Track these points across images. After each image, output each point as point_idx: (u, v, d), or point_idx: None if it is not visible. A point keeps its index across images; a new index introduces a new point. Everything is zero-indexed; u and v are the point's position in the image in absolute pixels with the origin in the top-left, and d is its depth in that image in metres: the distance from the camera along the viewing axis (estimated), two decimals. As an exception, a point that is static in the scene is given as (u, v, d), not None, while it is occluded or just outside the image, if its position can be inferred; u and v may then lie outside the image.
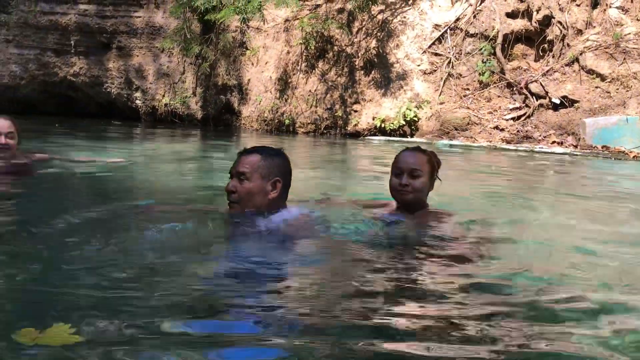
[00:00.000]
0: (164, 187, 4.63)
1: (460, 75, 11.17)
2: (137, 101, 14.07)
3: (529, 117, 10.36)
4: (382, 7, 11.82)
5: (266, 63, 12.38)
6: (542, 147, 9.56)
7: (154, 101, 13.77)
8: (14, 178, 4.44)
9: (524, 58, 11.08)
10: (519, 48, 11.09)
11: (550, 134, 9.99)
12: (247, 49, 12.62)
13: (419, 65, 11.40)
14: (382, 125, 11.03)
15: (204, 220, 2.96)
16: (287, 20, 12.35)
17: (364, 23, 11.85)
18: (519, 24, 10.99)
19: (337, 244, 2.72)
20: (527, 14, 11.00)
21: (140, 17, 13.55)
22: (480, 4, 11.41)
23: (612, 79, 10.04)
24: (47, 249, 2.45)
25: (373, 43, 11.66)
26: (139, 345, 1.57)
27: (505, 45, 10.97)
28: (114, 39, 13.77)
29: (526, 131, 10.18)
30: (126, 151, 7.23)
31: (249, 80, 12.50)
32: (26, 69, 14.09)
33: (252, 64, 12.54)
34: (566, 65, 10.45)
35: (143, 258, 2.36)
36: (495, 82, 10.87)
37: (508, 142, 10.03)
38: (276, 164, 2.82)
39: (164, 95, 13.62)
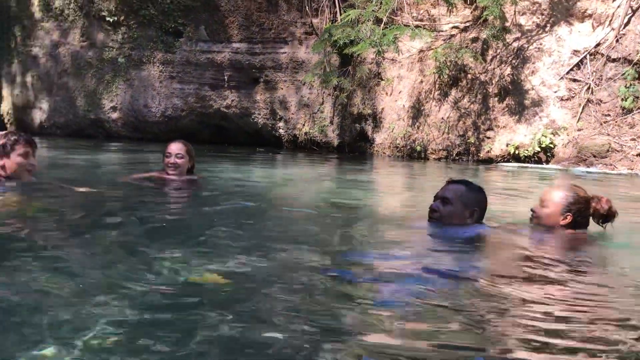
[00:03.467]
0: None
1: (601, 101, 10.82)
2: (280, 130, 15.21)
3: (677, 143, 9.78)
4: (518, 34, 11.84)
5: (399, 92, 12.87)
6: (691, 175, 8.99)
7: (295, 130, 14.80)
8: (183, 191, 5.27)
9: (673, 82, 10.48)
10: (667, 71, 10.53)
11: (702, 161, 9.35)
12: (382, 79, 13.21)
13: (555, 92, 11.24)
14: (516, 151, 10.99)
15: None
16: (421, 50, 12.79)
17: (498, 51, 11.94)
18: (666, 47, 10.46)
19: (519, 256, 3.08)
20: (677, 35, 10.45)
21: (285, 53, 14.75)
22: (623, 28, 11.03)
23: None
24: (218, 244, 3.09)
25: (507, 70, 11.70)
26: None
27: (651, 69, 10.48)
28: (261, 74, 15.09)
29: (674, 158, 9.61)
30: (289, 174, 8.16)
31: (382, 109, 13.05)
32: (186, 102, 15.86)
33: (387, 93, 13.09)
34: None
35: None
36: (639, 108, 10.40)
37: (653, 170, 9.55)
38: (477, 197, 3.36)
39: (304, 125, 14.61)
